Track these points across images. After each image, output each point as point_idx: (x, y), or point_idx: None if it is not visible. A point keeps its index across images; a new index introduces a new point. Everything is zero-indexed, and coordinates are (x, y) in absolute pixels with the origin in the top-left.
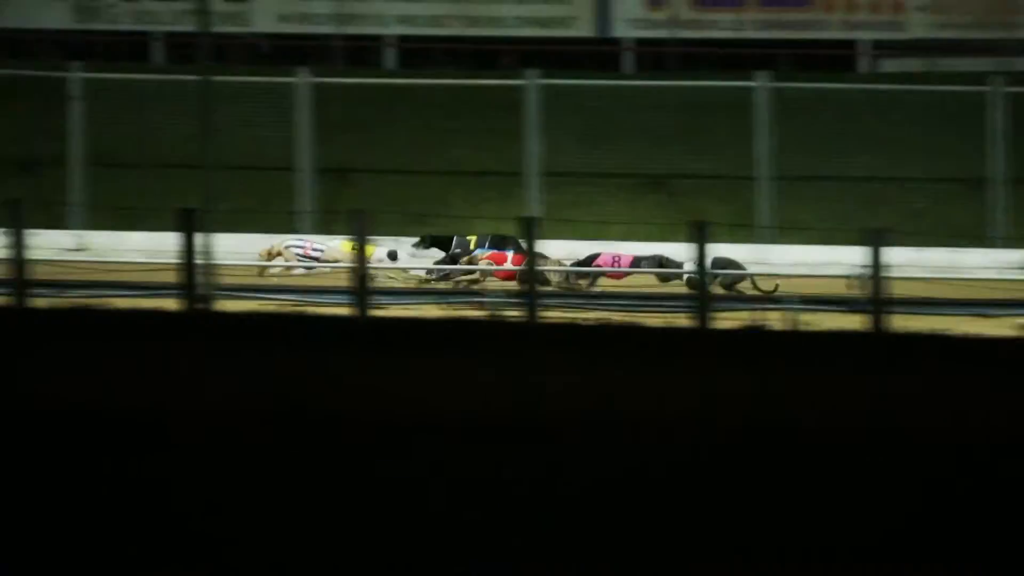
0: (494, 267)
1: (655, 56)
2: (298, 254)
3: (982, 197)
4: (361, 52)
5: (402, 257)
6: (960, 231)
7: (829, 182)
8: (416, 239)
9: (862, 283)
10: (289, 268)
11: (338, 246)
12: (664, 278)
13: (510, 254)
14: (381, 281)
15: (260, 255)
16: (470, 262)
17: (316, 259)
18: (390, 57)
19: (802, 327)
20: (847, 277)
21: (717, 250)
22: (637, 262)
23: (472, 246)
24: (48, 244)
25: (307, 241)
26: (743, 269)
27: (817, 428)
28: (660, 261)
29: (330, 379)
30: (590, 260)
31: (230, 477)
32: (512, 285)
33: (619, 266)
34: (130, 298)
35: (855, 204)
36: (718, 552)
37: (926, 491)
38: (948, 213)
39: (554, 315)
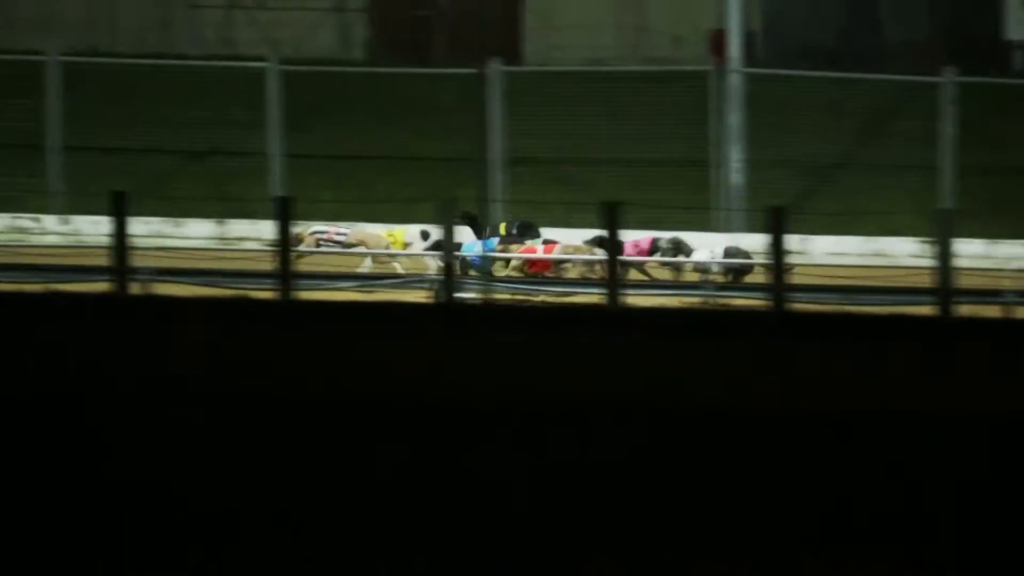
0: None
1: None
2: (321, 239)
3: None
4: None
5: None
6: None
7: None
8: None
9: None
10: (307, 253)
11: (365, 229)
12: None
13: (540, 244)
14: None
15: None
16: (507, 250)
17: (340, 243)
18: None
19: None
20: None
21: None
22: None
23: (502, 230)
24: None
25: (330, 226)
26: (750, 258)
27: None
28: (678, 244)
29: None
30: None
31: None
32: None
33: (640, 250)
34: None
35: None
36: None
37: None
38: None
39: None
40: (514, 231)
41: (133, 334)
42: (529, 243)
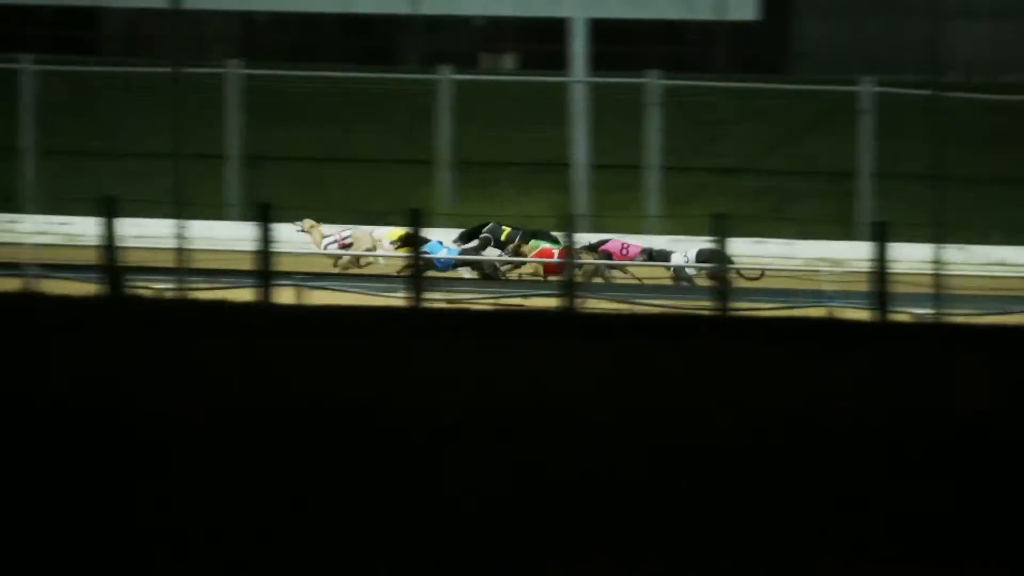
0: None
1: None
2: (330, 243)
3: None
4: None
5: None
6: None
7: None
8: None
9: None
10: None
11: (371, 233)
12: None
13: (556, 248)
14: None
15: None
16: (518, 254)
17: (347, 247)
18: None
19: None
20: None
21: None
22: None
23: (503, 236)
24: None
25: (339, 231)
26: (729, 261)
27: None
28: (650, 253)
29: None
30: (597, 246)
31: None
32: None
33: (627, 254)
34: None
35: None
36: None
37: None
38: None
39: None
40: (517, 238)
41: None
42: (545, 246)
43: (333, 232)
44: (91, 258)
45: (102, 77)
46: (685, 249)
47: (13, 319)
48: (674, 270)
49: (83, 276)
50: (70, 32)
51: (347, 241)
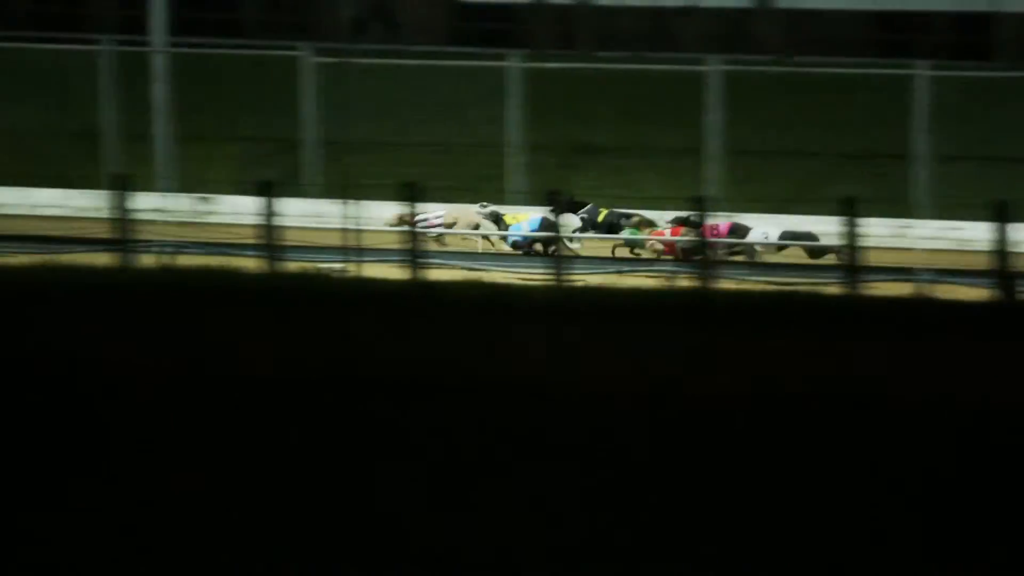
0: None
1: None
2: (423, 224)
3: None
4: None
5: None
6: None
7: None
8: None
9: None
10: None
11: (458, 210)
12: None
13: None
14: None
15: (392, 221)
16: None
17: (438, 225)
18: None
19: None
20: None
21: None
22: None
23: (600, 218)
24: None
25: (429, 211)
26: (817, 240)
27: None
28: (734, 228)
29: None
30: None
31: None
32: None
33: (718, 232)
34: None
35: None
36: None
37: None
38: None
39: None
40: (620, 218)
41: None
42: (661, 227)
43: (427, 214)
44: (981, 263)
45: (995, 82)
46: (766, 228)
47: (906, 322)
48: (746, 247)
49: (971, 281)
50: (965, 38)
51: (437, 221)
